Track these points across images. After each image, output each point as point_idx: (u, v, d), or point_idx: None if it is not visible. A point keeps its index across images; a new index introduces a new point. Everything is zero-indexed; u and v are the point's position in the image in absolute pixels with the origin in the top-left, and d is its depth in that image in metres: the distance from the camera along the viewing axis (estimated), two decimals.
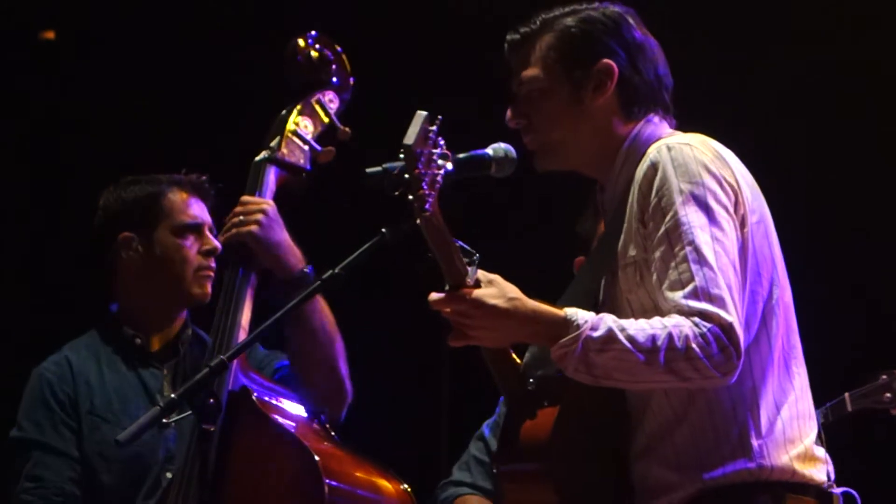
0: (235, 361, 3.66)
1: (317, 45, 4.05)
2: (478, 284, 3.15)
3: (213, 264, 4.09)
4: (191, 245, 4.08)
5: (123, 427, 3.90)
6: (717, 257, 3.14)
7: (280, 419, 3.66)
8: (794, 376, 3.28)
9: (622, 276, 3.28)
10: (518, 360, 3.34)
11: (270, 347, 4.07)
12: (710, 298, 3.11)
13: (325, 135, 4.02)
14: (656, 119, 3.37)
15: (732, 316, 3.09)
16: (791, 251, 3.37)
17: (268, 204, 3.86)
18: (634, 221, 3.25)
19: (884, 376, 4.84)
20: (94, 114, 5.93)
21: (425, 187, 3.03)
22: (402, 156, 3.00)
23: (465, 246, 3.17)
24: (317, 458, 3.51)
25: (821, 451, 3.28)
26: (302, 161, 3.97)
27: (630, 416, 3.32)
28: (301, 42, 4.04)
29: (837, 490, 3.29)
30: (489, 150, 3.32)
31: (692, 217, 3.16)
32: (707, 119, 3.45)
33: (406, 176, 3.02)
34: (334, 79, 4.07)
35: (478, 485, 4.28)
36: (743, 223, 3.23)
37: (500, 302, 3.15)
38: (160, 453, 3.99)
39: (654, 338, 3.10)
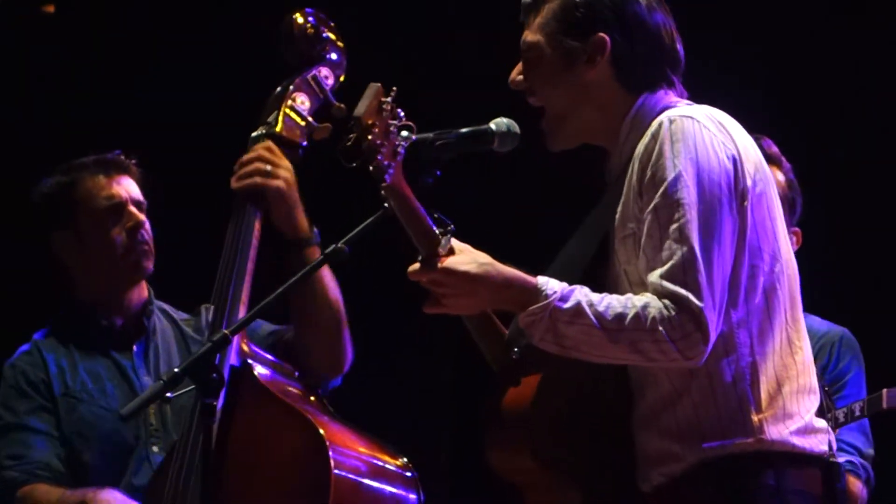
0: (237, 338, 3.67)
1: (313, 21, 4.04)
2: (450, 253, 3.18)
3: (141, 237, 4.07)
4: (113, 226, 4.07)
5: (100, 406, 3.96)
6: (701, 238, 3.14)
7: (282, 394, 3.66)
8: (797, 351, 3.28)
9: (620, 248, 3.28)
10: (504, 330, 3.36)
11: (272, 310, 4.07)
12: (685, 281, 3.11)
13: (321, 111, 4.01)
14: (662, 91, 3.35)
15: (704, 301, 3.10)
16: None
17: (288, 163, 3.87)
18: (633, 194, 3.25)
19: None
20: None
21: (381, 158, 3.04)
22: (351, 126, 3.03)
23: (442, 216, 3.20)
24: (321, 431, 3.51)
25: (821, 423, 3.28)
26: (298, 137, 3.96)
27: (628, 385, 3.32)
28: (298, 17, 4.03)
29: (840, 459, 3.31)
30: (492, 125, 3.32)
31: (681, 194, 3.16)
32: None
33: (362, 147, 3.03)
34: (330, 55, 4.06)
35: None
36: (743, 197, 3.22)
37: (471, 268, 3.19)
38: (139, 430, 3.99)
39: (621, 316, 3.12)
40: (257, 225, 3.82)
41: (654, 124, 3.25)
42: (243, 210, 3.84)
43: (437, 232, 3.19)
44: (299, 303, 3.84)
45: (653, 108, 3.32)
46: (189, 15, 5.85)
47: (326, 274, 3.84)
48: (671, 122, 3.22)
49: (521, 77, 3.39)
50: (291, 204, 3.83)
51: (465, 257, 3.20)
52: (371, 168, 3.07)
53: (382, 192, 3.11)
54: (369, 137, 3.06)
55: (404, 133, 3.13)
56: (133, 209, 4.10)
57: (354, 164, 3.08)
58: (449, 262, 3.18)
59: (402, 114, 3.13)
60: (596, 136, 3.41)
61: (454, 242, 3.21)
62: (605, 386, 3.32)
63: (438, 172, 3.22)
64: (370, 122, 3.06)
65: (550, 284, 3.17)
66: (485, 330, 3.37)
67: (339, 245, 3.15)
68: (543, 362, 3.26)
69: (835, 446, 3.30)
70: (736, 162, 3.22)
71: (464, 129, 3.25)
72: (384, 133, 3.09)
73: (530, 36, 3.38)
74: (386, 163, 3.08)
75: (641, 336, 3.11)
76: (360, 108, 3.06)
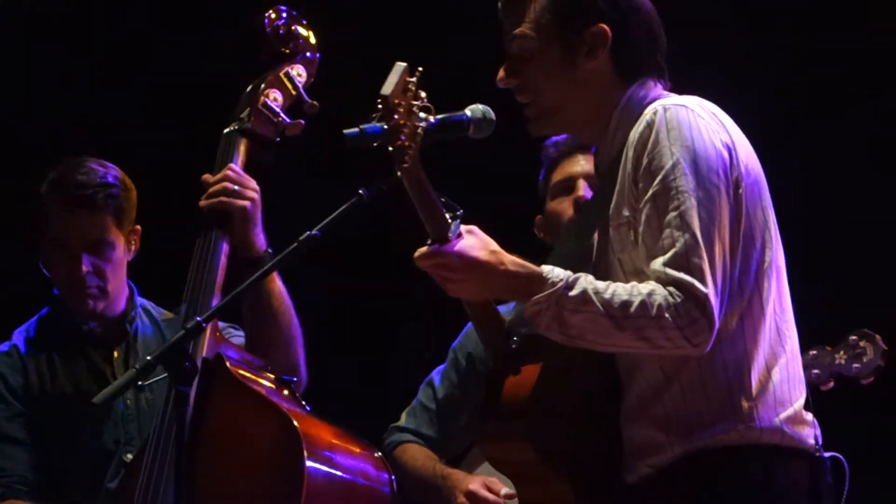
0: (209, 330, 3.66)
1: (286, 18, 4.05)
2: (460, 238, 3.17)
3: (90, 283, 4.03)
4: (60, 265, 4.05)
5: (78, 412, 3.94)
6: (702, 224, 3.14)
7: (255, 385, 3.65)
8: (786, 340, 3.29)
9: (614, 237, 3.27)
10: (504, 318, 3.35)
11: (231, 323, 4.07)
12: (689, 268, 3.11)
13: (294, 108, 4.01)
14: (651, 82, 3.36)
15: (708, 287, 3.10)
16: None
17: (255, 182, 3.88)
18: (628, 182, 3.24)
19: (812, 351, 4.78)
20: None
21: (404, 139, 3.03)
22: (378, 106, 3.00)
23: (450, 201, 3.19)
24: (295, 422, 3.50)
25: (809, 416, 3.29)
26: (271, 133, 3.96)
27: (619, 376, 3.32)
28: (271, 14, 4.05)
29: (826, 454, 3.31)
30: (467, 112, 3.30)
31: (680, 182, 3.16)
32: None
33: (384, 127, 3.01)
34: (303, 52, 4.06)
35: (421, 432, 4.31)
36: (737, 185, 3.22)
37: (481, 254, 3.18)
38: (119, 434, 3.99)
39: (627, 304, 3.11)
40: (225, 246, 3.81)
41: (648, 112, 3.24)
42: (209, 229, 3.83)
43: (447, 216, 3.18)
44: (252, 312, 3.85)
45: (641, 99, 3.32)
46: (185, 13, 5.86)
47: (282, 289, 3.86)
48: (665, 110, 3.22)
49: (509, 76, 3.36)
50: (255, 222, 3.84)
51: (476, 242, 3.19)
52: (391, 149, 3.05)
53: (399, 174, 3.09)
54: (395, 117, 3.04)
55: (423, 115, 3.12)
56: (82, 256, 4.02)
57: (375, 144, 3.07)
58: (459, 246, 3.17)
59: (424, 95, 3.12)
60: (582, 129, 3.42)
61: (463, 227, 3.20)
62: (602, 377, 3.32)
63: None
64: (396, 101, 3.03)
65: (556, 272, 3.17)
66: (485, 318, 3.35)
67: (312, 232, 3.15)
68: (542, 352, 3.26)
69: (820, 441, 3.30)
70: (730, 150, 3.23)
71: (439, 116, 3.22)
72: (407, 114, 3.07)
73: (521, 30, 3.34)
74: (407, 144, 3.07)
75: (647, 323, 3.10)
76: (388, 88, 3.03)
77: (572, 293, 3.14)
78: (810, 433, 3.27)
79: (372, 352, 5.92)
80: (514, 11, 3.36)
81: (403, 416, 4.36)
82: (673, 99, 3.29)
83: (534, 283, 3.17)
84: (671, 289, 3.11)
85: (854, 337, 4.77)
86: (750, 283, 3.24)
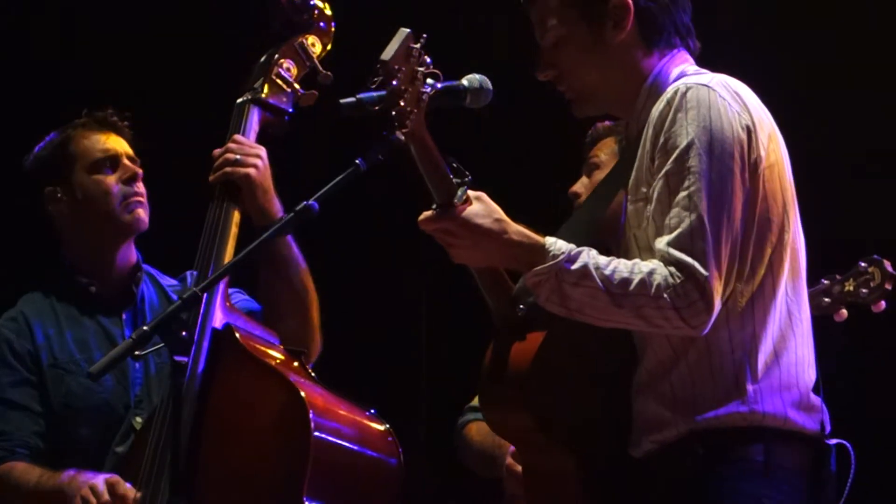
0: (220, 300, 3.69)
1: None
2: (467, 203, 3.17)
3: (138, 189, 4.09)
4: (109, 177, 4.08)
5: (87, 375, 3.94)
6: (710, 207, 3.12)
7: (263, 357, 3.66)
8: (797, 322, 3.26)
9: (632, 212, 3.27)
10: (512, 285, 3.34)
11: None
12: (692, 249, 3.10)
13: (307, 78, 4.01)
14: (680, 54, 3.34)
15: (709, 270, 3.09)
16: None
17: (262, 149, 3.87)
18: (646, 159, 3.23)
19: (824, 280, 4.75)
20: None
21: (403, 104, 3.04)
22: (378, 70, 3.01)
23: (460, 166, 3.19)
24: (303, 393, 3.50)
25: (816, 401, 3.26)
26: (285, 103, 3.96)
27: (629, 348, 3.31)
28: None
29: (832, 441, 3.27)
30: (464, 81, 3.30)
31: (693, 162, 3.14)
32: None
33: (383, 94, 3.03)
34: (318, 23, 4.05)
35: None
36: (755, 167, 3.19)
37: (485, 221, 3.18)
38: (128, 398, 4.00)
39: (626, 281, 3.11)
40: (235, 214, 3.82)
41: (670, 90, 3.23)
42: (221, 201, 3.84)
43: (454, 181, 3.18)
44: (268, 279, 3.86)
45: (668, 76, 3.30)
46: None
47: (297, 255, 3.86)
48: (687, 88, 3.20)
49: (545, 67, 3.36)
50: (263, 190, 3.84)
51: (482, 210, 3.19)
52: (393, 113, 3.06)
53: (403, 137, 3.08)
54: (394, 83, 3.04)
55: (430, 80, 3.12)
56: (128, 162, 4.11)
57: (377, 108, 3.07)
58: (466, 212, 3.17)
59: (430, 61, 3.12)
60: (619, 104, 3.39)
61: (471, 192, 3.20)
62: (610, 348, 3.31)
63: None
64: (396, 66, 3.04)
65: (558, 245, 3.16)
66: (492, 284, 3.34)
67: (308, 202, 3.13)
68: (549, 320, 3.25)
69: (828, 427, 3.27)
70: (750, 132, 3.20)
71: (437, 84, 3.21)
72: (410, 79, 3.08)
73: (547, 20, 3.34)
74: (408, 109, 3.07)
75: (645, 302, 3.10)
76: (388, 53, 3.04)
77: (573, 267, 3.13)
78: (817, 418, 3.24)
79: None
80: (537, 2, 3.36)
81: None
82: (696, 78, 3.26)
83: (536, 254, 3.16)
84: (672, 269, 3.10)
85: (863, 263, 4.74)
86: (763, 265, 3.21)
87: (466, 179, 3.19)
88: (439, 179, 3.17)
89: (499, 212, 3.21)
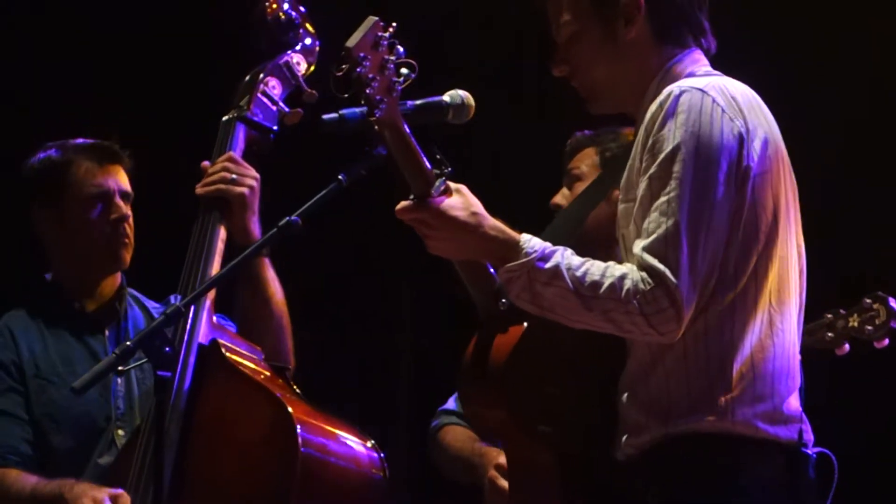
0: (206, 316, 3.72)
1: (286, 7, 4.07)
2: (444, 194, 3.16)
3: (124, 231, 4.11)
4: (98, 215, 4.10)
5: (69, 389, 3.95)
6: (689, 214, 3.09)
7: (250, 372, 3.67)
8: (778, 333, 3.22)
9: (622, 212, 3.25)
10: (494, 278, 3.31)
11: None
12: (665, 256, 3.08)
13: (293, 96, 4.03)
14: (693, 54, 3.33)
15: (681, 278, 3.06)
16: None
17: (255, 172, 3.91)
18: (637, 160, 3.21)
19: (828, 315, 4.78)
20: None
21: (371, 91, 3.03)
22: (343, 57, 3.01)
23: (442, 157, 3.18)
24: (290, 409, 3.52)
25: (795, 411, 3.22)
26: (270, 121, 3.99)
27: (609, 342, 3.26)
28: (272, 3, 4.07)
29: (811, 450, 3.25)
30: (446, 97, 3.30)
31: (677, 167, 3.11)
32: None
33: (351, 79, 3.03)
34: (303, 41, 4.09)
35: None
36: (745, 175, 3.16)
37: (461, 214, 3.17)
38: (109, 412, 4.02)
39: (597, 284, 3.09)
40: (222, 231, 3.85)
41: (664, 93, 3.20)
42: (207, 216, 3.86)
43: (433, 172, 3.16)
44: (245, 298, 3.88)
45: (676, 75, 3.29)
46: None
47: (274, 278, 3.90)
48: (681, 92, 3.17)
49: (560, 63, 3.36)
50: (252, 211, 3.88)
51: (459, 202, 3.17)
52: (362, 100, 3.05)
53: (375, 126, 3.08)
54: (358, 70, 3.03)
55: (404, 70, 3.11)
56: (119, 202, 4.13)
57: (346, 95, 3.07)
58: (442, 204, 3.16)
59: (403, 51, 3.11)
60: (630, 104, 3.37)
61: (452, 185, 3.18)
62: (593, 345, 3.27)
63: None
64: (362, 54, 3.03)
65: (532, 243, 3.15)
66: (475, 276, 3.32)
67: (291, 218, 3.15)
68: (531, 315, 3.22)
69: (810, 437, 3.24)
70: (742, 139, 3.16)
71: (418, 101, 3.22)
72: (378, 67, 3.06)
73: (562, 17, 3.34)
74: (378, 97, 3.06)
75: (614, 306, 3.08)
76: (352, 40, 3.03)
77: (546, 266, 3.12)
78: (794, 428, 3.20)
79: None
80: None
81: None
82: (694, 81, 3.23)
83: (509, 250, 3.15)
84: (643, 274, 3.08)
85: (868, 300, 4.75)
86: (746, 273, 3.18)
87: (446, 171, 3.17)
88: (416, 170, 3.14)
89: (477, 205, 3.19)
